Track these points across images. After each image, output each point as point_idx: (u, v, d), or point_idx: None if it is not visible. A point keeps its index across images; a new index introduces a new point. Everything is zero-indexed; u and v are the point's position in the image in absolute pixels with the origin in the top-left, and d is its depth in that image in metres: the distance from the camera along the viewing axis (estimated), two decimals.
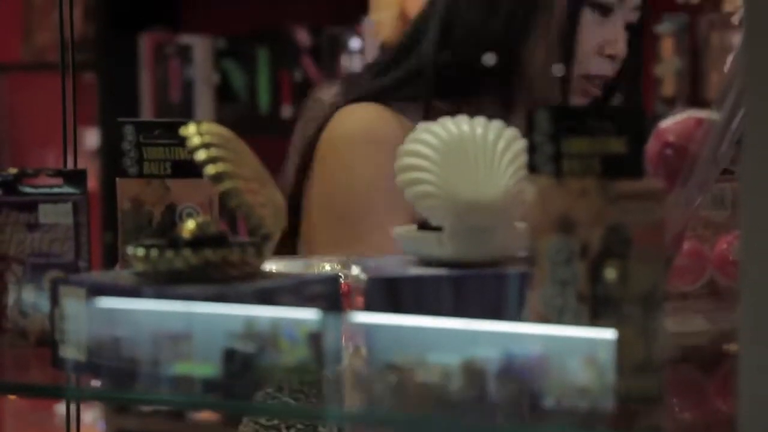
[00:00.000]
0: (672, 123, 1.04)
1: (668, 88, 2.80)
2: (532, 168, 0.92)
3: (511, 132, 1.13)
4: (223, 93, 3.31)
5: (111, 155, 3.17)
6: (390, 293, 1.08)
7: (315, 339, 1.04)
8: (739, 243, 0.81)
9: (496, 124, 1.14)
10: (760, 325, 0.81)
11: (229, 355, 1.02)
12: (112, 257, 2.80)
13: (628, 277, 0.89)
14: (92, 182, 3.22)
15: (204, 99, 3.34)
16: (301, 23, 3.24)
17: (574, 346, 0.95)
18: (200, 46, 3.36)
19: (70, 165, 1.43)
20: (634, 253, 0.89)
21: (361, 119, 1.62)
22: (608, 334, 0.92)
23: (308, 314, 1.05)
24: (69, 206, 1.22)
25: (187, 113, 3.31)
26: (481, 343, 1.03)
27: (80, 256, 1.25)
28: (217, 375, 1.00)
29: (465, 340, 1.03)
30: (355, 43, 3.15)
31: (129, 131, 1.23)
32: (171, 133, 1.20)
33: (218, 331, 1.03)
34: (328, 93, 1.70)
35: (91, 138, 3.31)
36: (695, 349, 1.15)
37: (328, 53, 3.20)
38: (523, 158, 1.07)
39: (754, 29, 0.81)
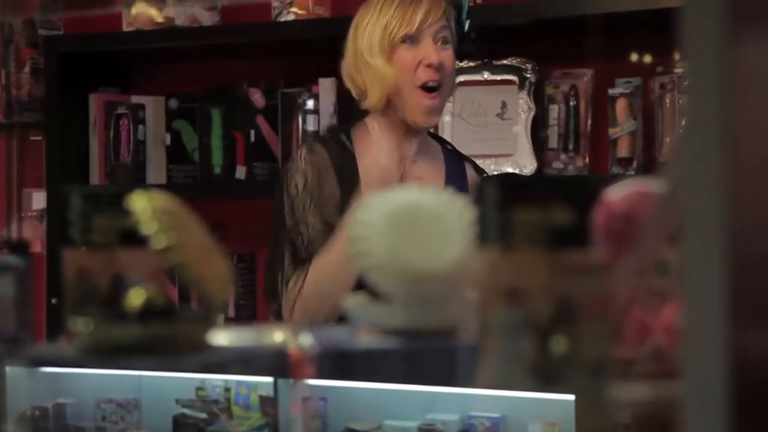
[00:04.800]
0: (619, 196, 1.05)
1: (623, 150, 2.84)
2: (481, 239, 0.92)
3: (463, 201, 1.12)
4: (176, 154, 3.28)
5: (58, 219, 3.11)
6: (341, 363, 1.07)
7: (268, 405, 1.02)
8: (682, 310, 0.81)
9: (448, 193, 1.13)
10: (704, 392, 0.81)
11: (180, 423, 1.00)
12: (57, 324, 2.74)
13: (576, 346, 0.89)
14: (39, 245, 3.16)
15: (156, 160, 3.31)
16: (256, 84, 3.23)
17: (531, 410, 0.94)
18: (152, 107, 3.34)
19: (14, 231, 1.41)
20: (581, 323, 0.89)
21: None
22: (564, 399, 0.91)
23: (261, 381, 1.03)
24: (12, 277, 1.20)
25: (138, 174, 3.27)
26: (439, 408, 1.02)
27: (23, 328, 1.22)
28: None
29: (422, 405, 1.02)
30: (310, 103, 3.14)
31: (76, 199, 1.22)
32: (118, 201, 1.19)
33: (168, 398, 1.01)
34: None
35: (39, 200, 3.27)
36: (641, 416, 1.15)
37: (283, 114, 3.19)
38: (474, 228, 1.06)
39: (695, 97, 0.82)
